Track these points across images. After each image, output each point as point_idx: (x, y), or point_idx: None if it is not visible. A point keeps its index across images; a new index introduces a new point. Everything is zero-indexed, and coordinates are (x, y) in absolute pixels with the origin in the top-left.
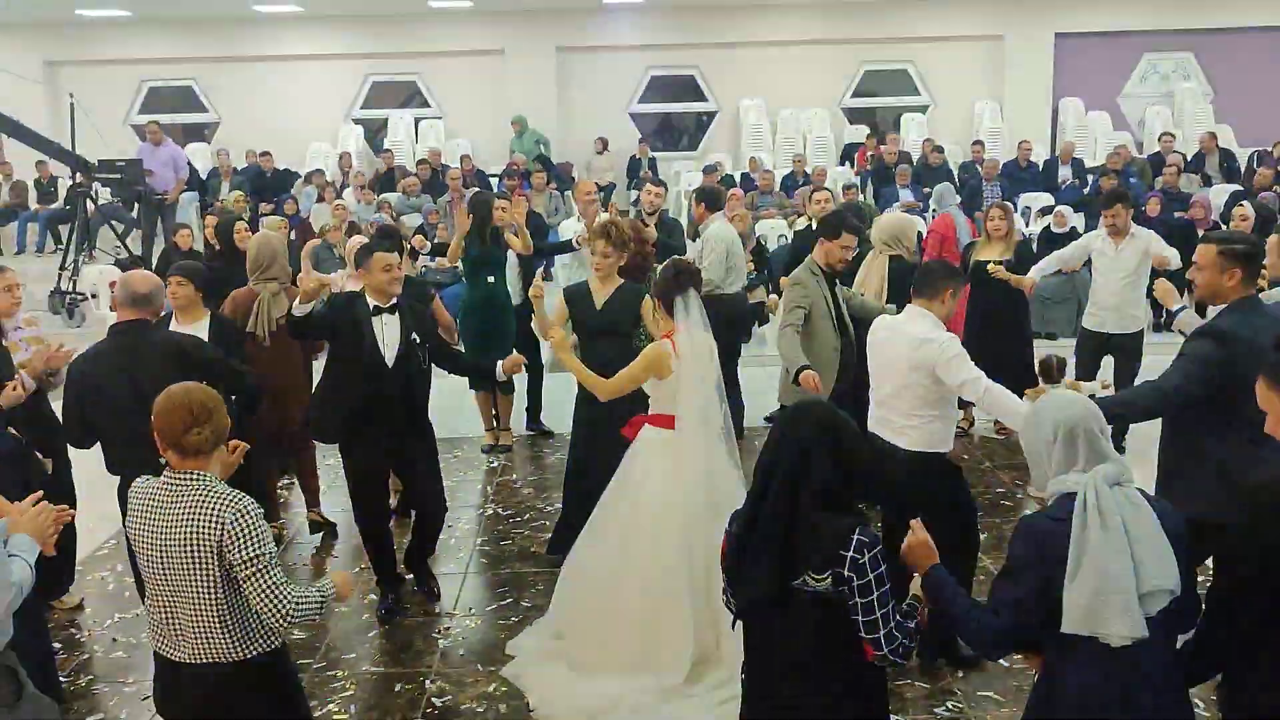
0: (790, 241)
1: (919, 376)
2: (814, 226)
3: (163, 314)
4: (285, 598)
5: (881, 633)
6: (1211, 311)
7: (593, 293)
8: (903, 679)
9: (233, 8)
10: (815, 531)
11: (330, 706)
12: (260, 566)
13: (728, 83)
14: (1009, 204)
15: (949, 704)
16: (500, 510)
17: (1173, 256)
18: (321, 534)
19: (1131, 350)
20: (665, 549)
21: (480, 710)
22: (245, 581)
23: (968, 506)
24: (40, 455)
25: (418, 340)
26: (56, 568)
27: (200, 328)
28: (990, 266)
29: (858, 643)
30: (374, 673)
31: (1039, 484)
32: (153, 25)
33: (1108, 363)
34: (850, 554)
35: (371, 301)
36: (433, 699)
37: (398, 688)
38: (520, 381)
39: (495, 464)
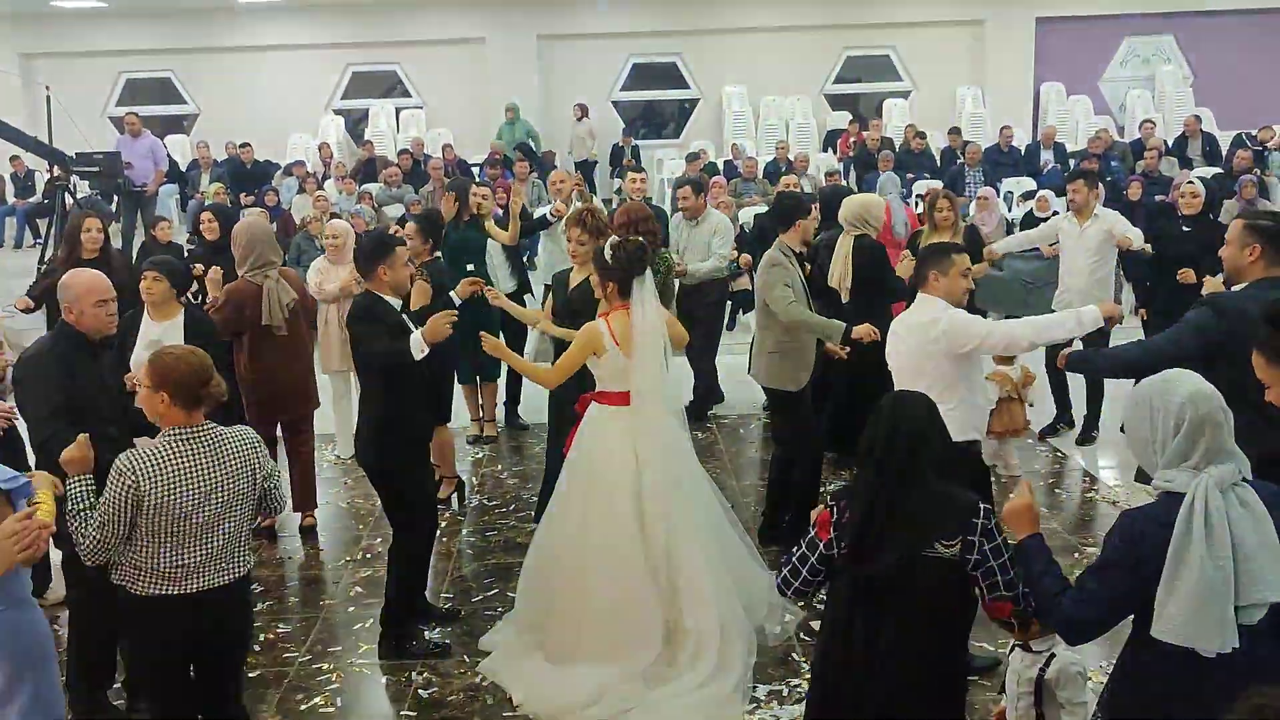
0: (753, 224)
1: (935, 361)
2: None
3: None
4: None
5: (1020, 589)
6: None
7: (574, 280)
8: None
9: None
10: (948, 501)
11: (316, 700)
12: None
13: (710, 70)
14: (951, 194)
15: None
16: (486, 501)
17: (1136, 236)
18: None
19: (1098, 331)
20: (623, 526)
21: (466, 702)
22: (268, 490)
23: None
24: None
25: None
26: (39, 570)
27: (175, 325)
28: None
29: (970, 612)
30: (360, 665)
31: (1146, 466)
32: (130, 16)
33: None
34: (980, 520)
35: (392, 301)
36: (419, 691)
37: (384, 680)
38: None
39: (480, 455)
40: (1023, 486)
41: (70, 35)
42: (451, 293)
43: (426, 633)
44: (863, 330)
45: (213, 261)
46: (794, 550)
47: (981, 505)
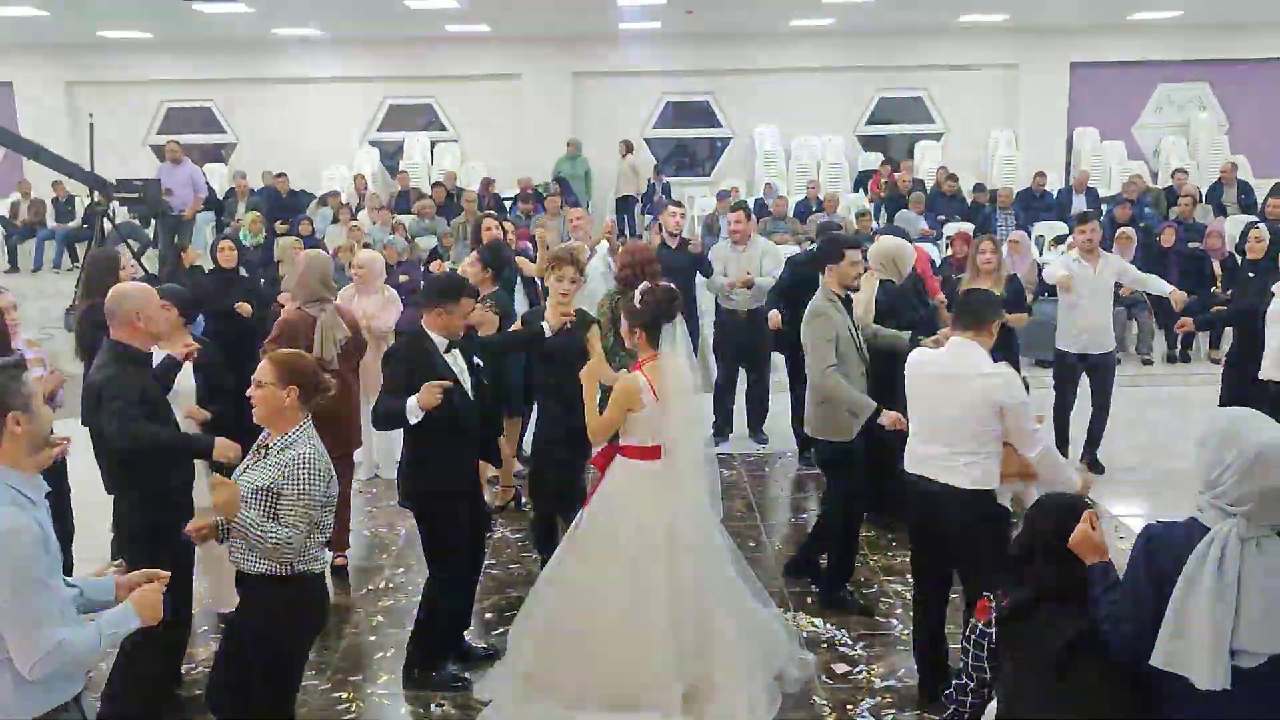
0: (785, 269)
1: (980, 412)
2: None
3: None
4: None
5: None
6: None
7: (554, 319)
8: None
9: (252, 30)
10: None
11: None
12: None
13: (742, 109)
14: (997, 238)
15: None
16: (509, 534)
17: (1157, 286)
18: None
19: (1106, 370)
20: (646, 584)
21: None
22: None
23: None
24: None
25: (480, 364)
26: None
27: None
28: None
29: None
30: (380, 694)
31: (1200, 480)
32: (173, 47)
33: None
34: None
35: (437, 338)
36: None
37: (404, 710)
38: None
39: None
40: (1086, 517)
41: (114, 64)
42: (544, 323)
43: (450, 665)
44: (891, 419)
45: (220, 290)
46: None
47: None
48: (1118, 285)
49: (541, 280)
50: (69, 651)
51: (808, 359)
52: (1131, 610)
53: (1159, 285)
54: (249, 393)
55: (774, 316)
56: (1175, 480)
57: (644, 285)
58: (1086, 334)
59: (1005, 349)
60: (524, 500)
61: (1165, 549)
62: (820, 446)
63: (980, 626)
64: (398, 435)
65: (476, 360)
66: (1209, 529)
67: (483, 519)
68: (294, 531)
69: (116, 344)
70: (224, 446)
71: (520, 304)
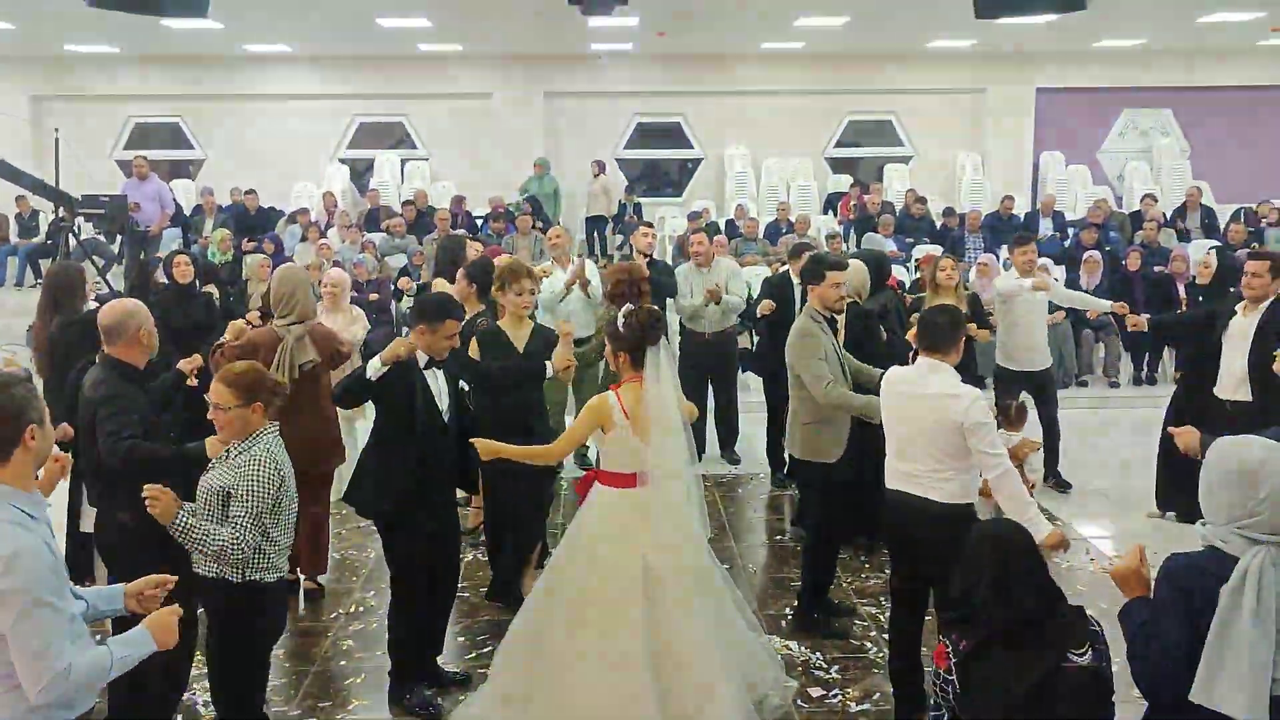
0: (761, 290)
1: (946, 431)
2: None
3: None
4: None
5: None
6: None
7: (511, 337)
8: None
9: (221, 47)
10: (1069, 616)
11: None
12: None
13: (713, 130)
14: (955, 257)
15: None
16: (480, 556)
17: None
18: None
19: (1047, 382)
20: (623, 613)
21: None
22: None
23: None
24: None
25: (466, 389)
26: None
27: None
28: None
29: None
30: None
31: (1209, 513)
32: (141, 62)
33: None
34: (1098, 628)
35: (419, 355)
36: None
37: None
38: None
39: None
40: (1136, 551)
41: (81, 79)
42: (548, 362)
43: (423, 690)
44: None
45: (177, 304)
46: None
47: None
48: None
49: None
50: (77, 677)
51: (801, 380)
52: (1166, 649)
53: (1095, 303)
54: (210, 416)
55: (766, 304)
56: (1144, 502)
57: (627, 308)
58: (1025, 351)
59: (964, 367)
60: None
61: (1193, 581)
62: (805, 467)
63: (941, 673)
64: None
65: (462, 384)
66: (1233, 558)
67: (451, 541)
68: (240, 532)
69: (115, 361)
70: (216, 447)
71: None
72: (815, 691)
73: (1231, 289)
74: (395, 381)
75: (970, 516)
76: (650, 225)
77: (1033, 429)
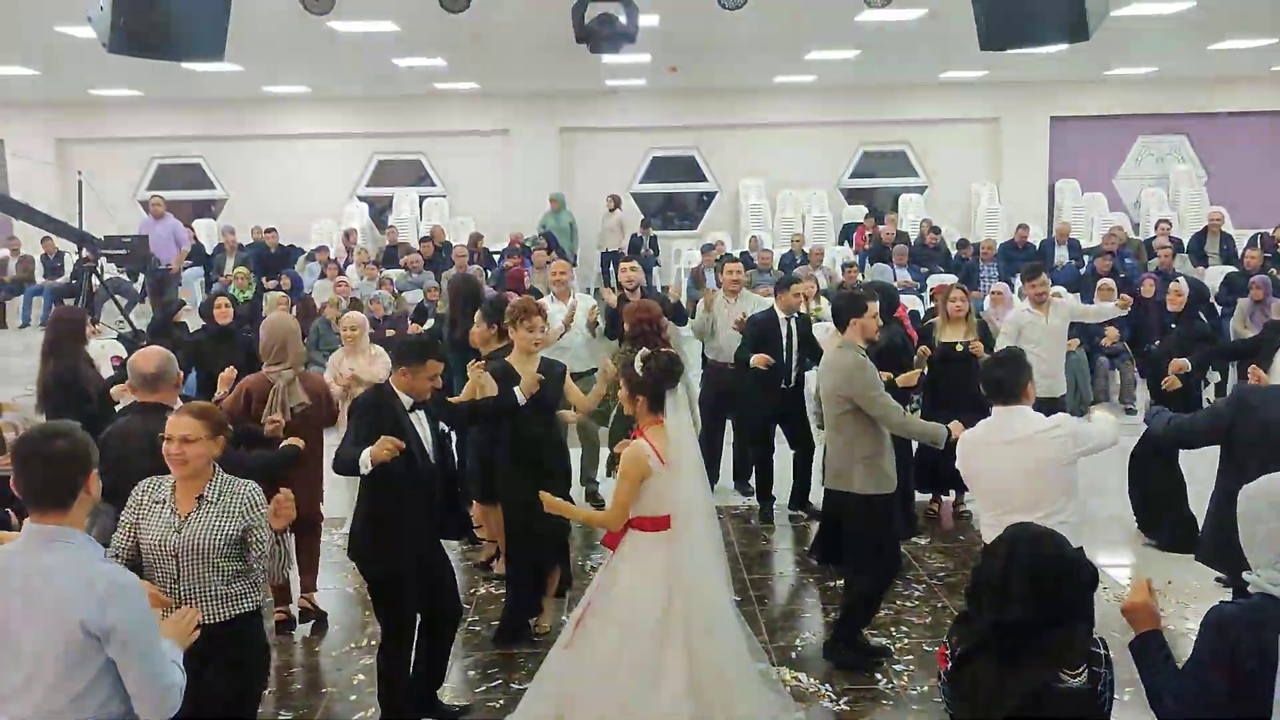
0: (748, 329)
1: (1056, 469)
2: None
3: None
4: None
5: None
6: None
7: (521, 372)
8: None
9: (242, 88)
10: (1072, 634)
11: None
12: None
13: (728, 163)
14: (965, 287)
15: None
16: (492, 589)
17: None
18: (312, 623)
19: (1060, 410)
20: (664, 655)
21: None
22: None
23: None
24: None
25: (445, 431)
26: None
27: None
28: (972, 346)
29: None
30: None
31: (1253, 561)
32: (163, 104)
33: None
34: (1102, 651)
35: (403, 397)
36: None
37: None
38: None
39: (484, 541)
40: (1141, 583)
41: (105, 122)
42: (516, 389)
43: None
44: (959, 427)
45: (214, 347)
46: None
47: (1097, 635)
48: (1076, 329)
49: None
50: (179, 693)
51: (849, 414)
52: (1205, 698)
53: (1104, 310)
54: (174, 451)
55: (760, 358)
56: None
57: (644, 352)
58: (1040, 379)
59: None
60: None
61: (1240, 638)
62: (853, 503)
63: (941, 674)
64: None
65: (443, 426)
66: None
67: (446, 582)
68: (263, 554)
69: (155, 406)
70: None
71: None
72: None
73: (1201, 315)
74: (387, 430)
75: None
76: (632, 261)
77: None
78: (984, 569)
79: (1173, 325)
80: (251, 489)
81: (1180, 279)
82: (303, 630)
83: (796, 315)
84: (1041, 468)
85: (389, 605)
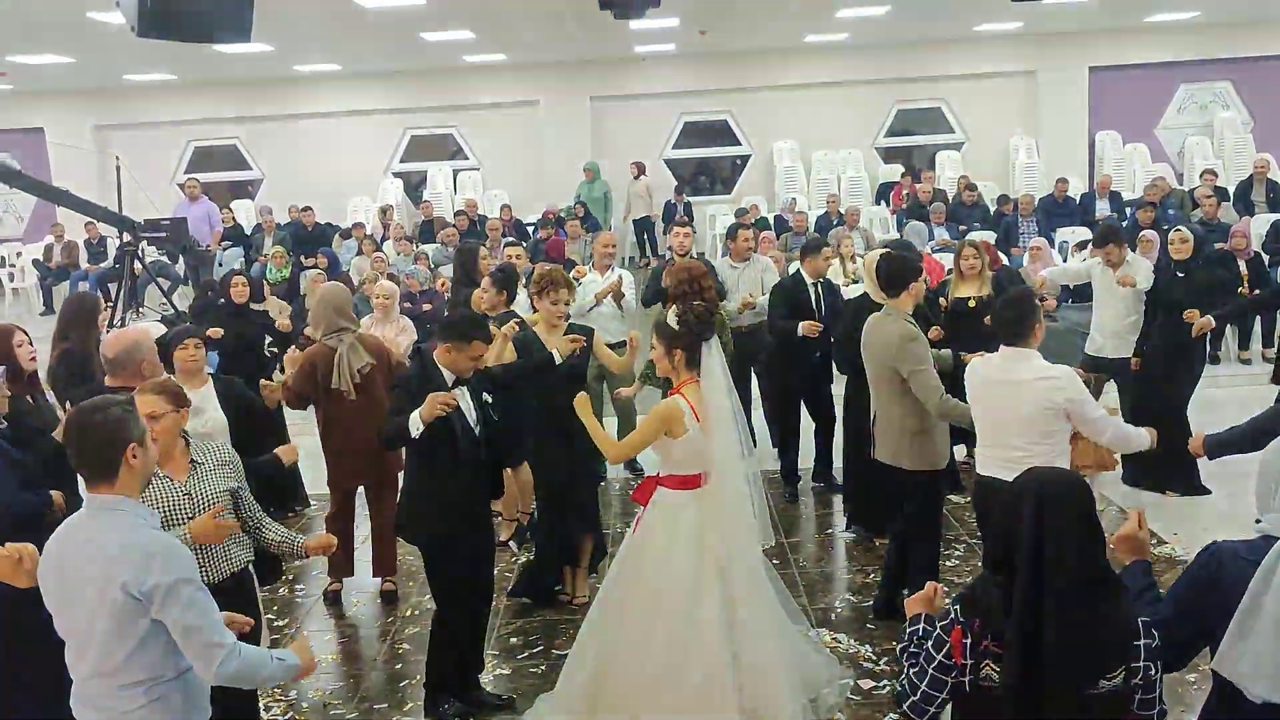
0: (772, 296)
1: (1047, 415)
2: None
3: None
4: None
5: (1156, 709)
6: None
7: (544, 341)
8: None
9: (274, 69)
10: (1108, 623)
11: None
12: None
13: (761, 126)
14: (982, 242)
15: None
16: (531, 556)
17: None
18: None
19: (1121, 374)
20: (698, 614)
21: None
22: None
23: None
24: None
25: (489, 401)
26: None
27: (208, 393)
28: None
29: None
30: None
31: (1262, 507)
32: (196, 88)
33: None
34: (1144, 641)
35: (446, 373)
36: None
37: None
38: None
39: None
40: (1134, 515)
41: (141, 107)
42: (554, 351)
43: (456, 703)
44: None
45: (230, 323)
46: (908, 660)
47: (1142, 620)
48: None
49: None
50: (248, 655)
51: (896, 386)
52: (1180, 616)
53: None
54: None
55: (809, 325)
56: (1212, 483)
57: (677, 307)
58: (1103, 338)
59: (989, 349)
60: (528, 535)
61: (1227, 563)
62: (905, 476)
63: (953, 664)
64: None
65: (486, 397)
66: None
67: (489, 560)
68: (254, 512)
69: (119, 389)
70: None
71: None
72: (865, 684)
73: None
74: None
75: None
76: (685, 226)
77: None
78: (1007, 529)
79: (1179, 275)
80: (222, 444)
81: (1182, 227)
82: (349, 602)
83: (824, 281)
84: (1035, 414)
85: (438, 577)
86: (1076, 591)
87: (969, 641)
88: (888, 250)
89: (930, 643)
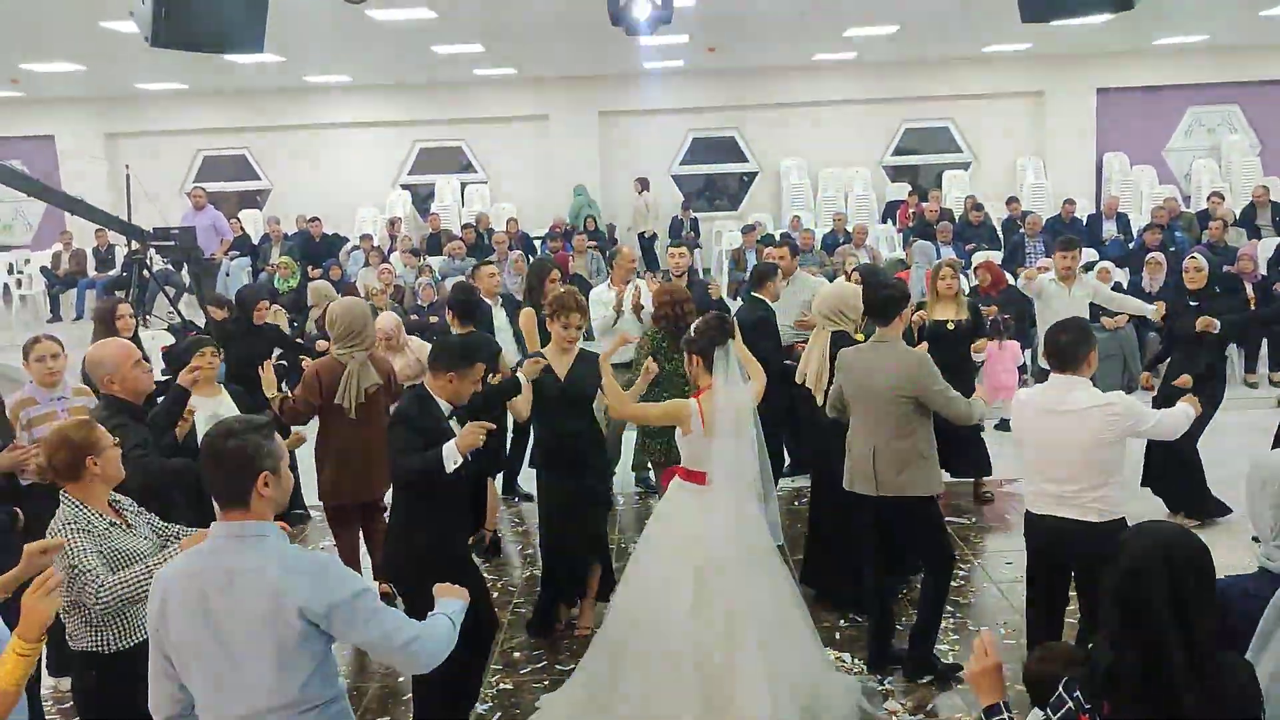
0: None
1: (1105, 446)
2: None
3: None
4: None
5: None
6: None
7: (555, 365)
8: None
9: (283, 79)
10: (1230, 678)
11: None
12: None
13: (768, 143)
14: (987, 261)
15: None
16: (536, 571)
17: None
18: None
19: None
20: (678, 600)
21: None
22: None
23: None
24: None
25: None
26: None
27: (225, 401)
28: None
29: None
30: None
31: (1261, 535)
32: (207, 97)
33: None
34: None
35: (443, 404)
36: None
37: None
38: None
39: (530, 526)
40: (980, 643)
41: (152, 116)
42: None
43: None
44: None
45: (242, 338)
46: None
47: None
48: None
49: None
50: (430, 629)
51: (913, 412)
52: None
53: (1136, 305)
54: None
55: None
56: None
57: (695, 323)
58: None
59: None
60: (502, 548)
61: (1234, 604)
62: (908, 505)
63: None
64: None
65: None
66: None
67: (484, 595)
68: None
69: (110, 399)
70: None
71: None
72: (866, 705)
73: (1217, 290)
74: (432, 437)
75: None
76: (680, 246)
77: None
78: (1127, 591)
79: (1192, 304)
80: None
81: (1197, 254)
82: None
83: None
84: (1093, 444)
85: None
86: (1188, 651)
87: None
88: (866, 281)
89: None
